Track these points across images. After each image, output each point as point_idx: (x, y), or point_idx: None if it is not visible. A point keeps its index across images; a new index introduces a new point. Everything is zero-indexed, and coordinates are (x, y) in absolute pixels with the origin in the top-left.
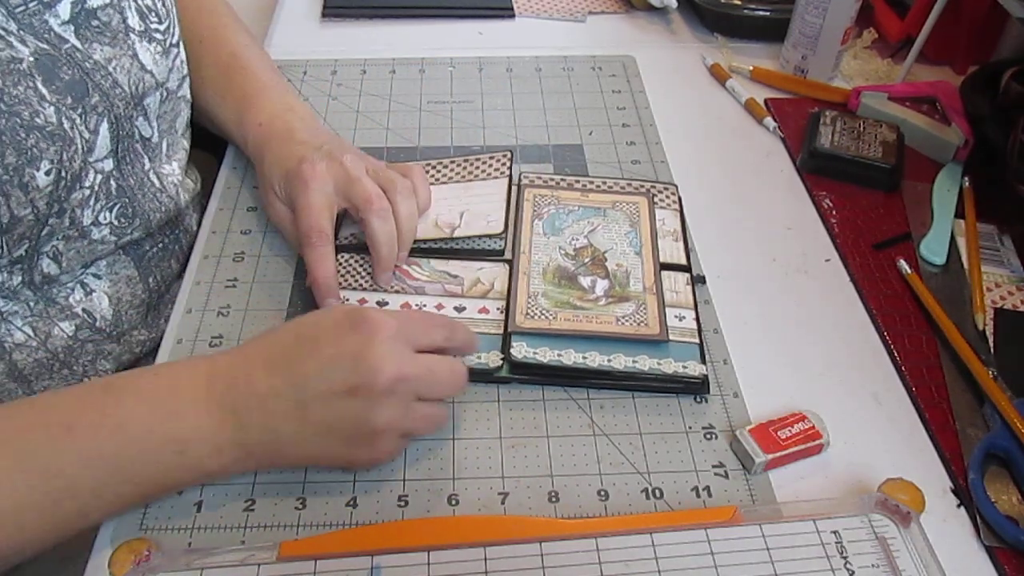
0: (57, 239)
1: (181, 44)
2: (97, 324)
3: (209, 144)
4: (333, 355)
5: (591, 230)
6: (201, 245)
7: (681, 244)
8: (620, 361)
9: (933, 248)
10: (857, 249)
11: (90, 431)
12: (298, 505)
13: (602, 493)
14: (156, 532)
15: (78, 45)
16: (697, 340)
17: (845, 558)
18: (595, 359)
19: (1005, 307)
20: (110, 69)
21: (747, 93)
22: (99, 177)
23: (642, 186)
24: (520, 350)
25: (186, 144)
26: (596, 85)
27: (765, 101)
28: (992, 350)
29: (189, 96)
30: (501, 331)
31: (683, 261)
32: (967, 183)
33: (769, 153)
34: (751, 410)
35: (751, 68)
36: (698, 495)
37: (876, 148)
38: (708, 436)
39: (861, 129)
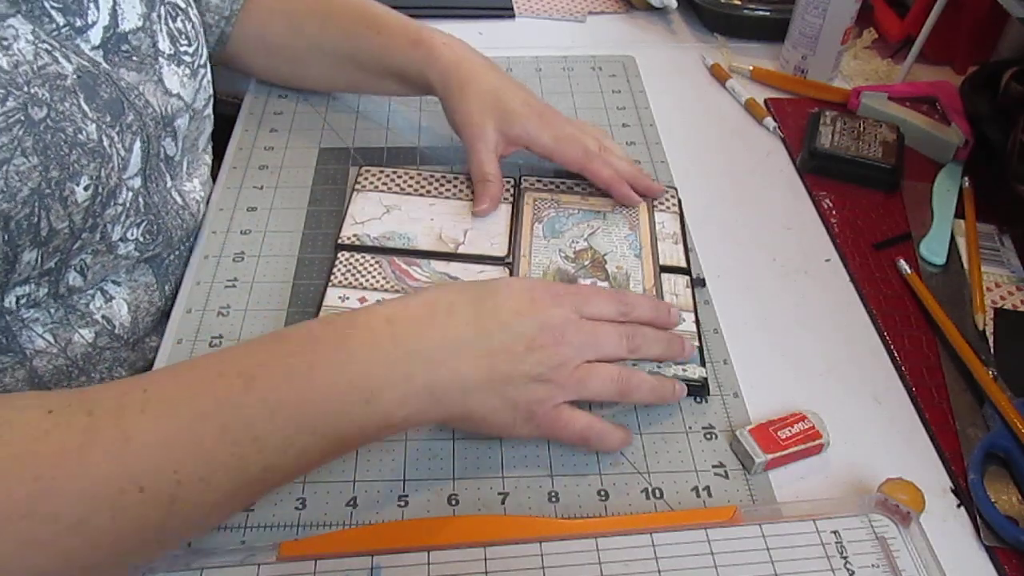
0: (86, 253)
1: (208, 65)
2: (116, 331)
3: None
4: (512, 311)
5: (591, 233)
6: (201, 245)
7: (680, 247)
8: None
9: (933, 248)
10: (857, 249)
11: (272, 381)
12: (298, 505)
13: (602, 493)
14: None
15: (108, 69)
16: (697, 343)
17: (845, 558)
18: None
19: (1005, 307)
20: (140, 91)
21: (747, 93)
22: (130, 194)
23: None
24: None
25: (207, 160)
26: (596, 85)
27: (765, 101)
28: (992, 350)
29: (212, 114)
30: None
31: (683, 264)
32: (967, 183)
33: (769, 153)
34: (751, 410)
35: (751, 68)
36: (698, 495)
37: (876, 148)
38: (708, 436)
39: (861, 129)
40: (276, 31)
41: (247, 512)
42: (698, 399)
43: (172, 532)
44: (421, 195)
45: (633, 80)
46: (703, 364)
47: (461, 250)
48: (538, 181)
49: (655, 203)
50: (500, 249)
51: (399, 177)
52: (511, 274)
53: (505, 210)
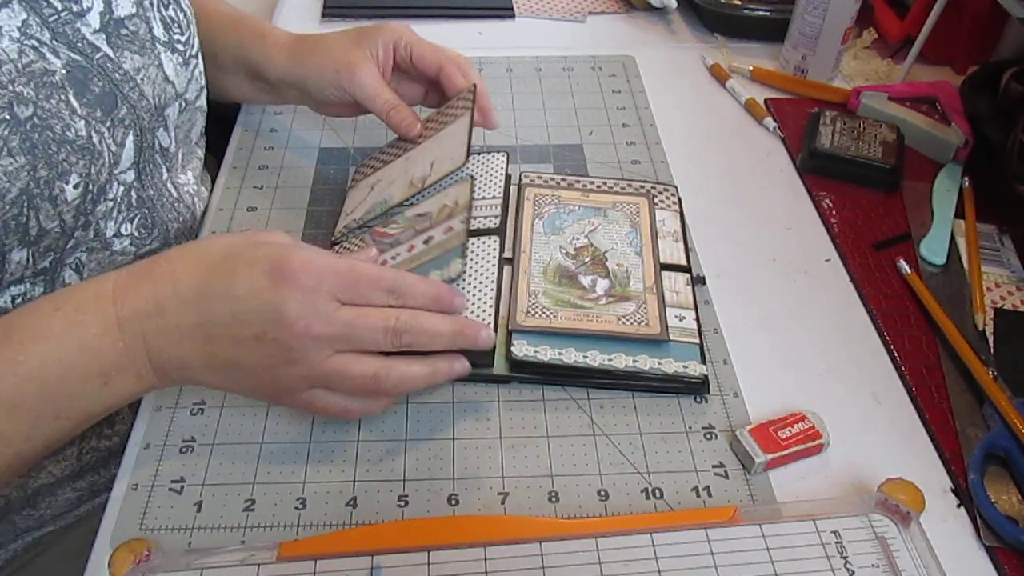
0: (81, 251)
1: (200, 56)
2: None
3: (209, 144)
4: (245, 297)
5: (591, 230)
6: None
7: (681, 245)
8: (621, 360)
9: (933, 248)
10: (857, 249)
11: (6, 383)
12: (298, 505)
13: (602, 493)
14: (156, 532)
15: (110, 54)
16: (697, 340)
17: (845, 558)
18: (596, 358)
19: (1005, 307)
20: (138, 80)
21: (747, 93)
22: (122, 189)
23: (642, 187)
24: (521, 348)
25: (200, 153)
26: (596, 85)
27: (765, 101)
28: (992, 350)
29: (205, 107)
30: (462, 241)
31: (683, 262)
32: (967, 183)
33: (769, 153)
34: (751, 410)
35: (751, 68)
36: (698, 495)
37: (876, 148)
38: (708, 436)
39: (861, 129)
40: None
41: (247, 512)
42: (698, 399)
43: None
44: (398, 156)
45: (633, 80)
46: (703, 362)
47: (428, 182)
48: (538, 177)
49: (656, 201)
50: (458, 160)
51: (383, 153)
52: (512, 264)
53: (462, 123)
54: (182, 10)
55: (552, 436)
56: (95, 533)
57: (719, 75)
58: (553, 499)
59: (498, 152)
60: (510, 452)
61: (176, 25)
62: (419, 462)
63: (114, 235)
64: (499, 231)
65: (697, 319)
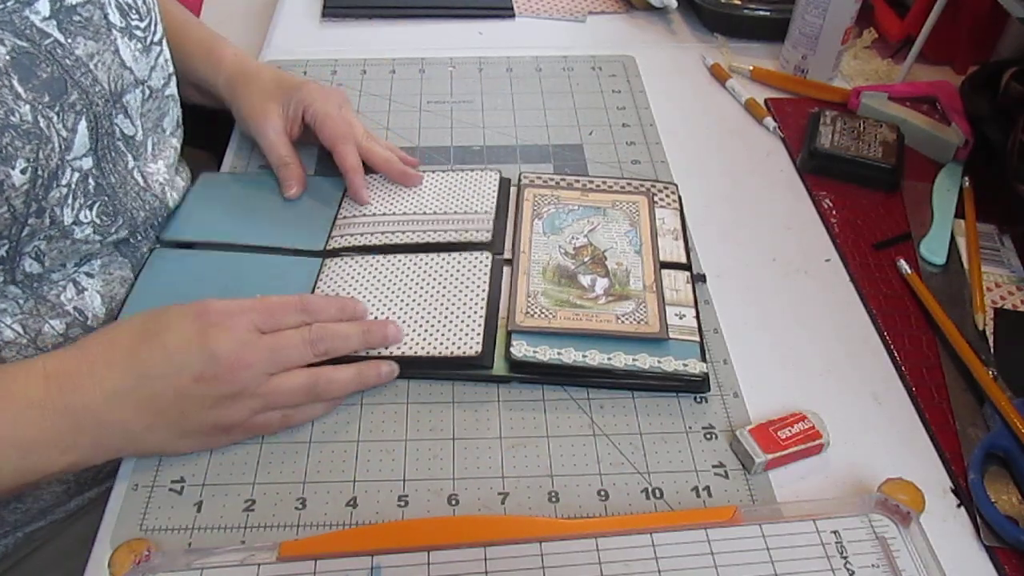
0: (39, 239)
1: (164, 42)
2: (88, 322)
3: (209, 144)
4: (177, 345)
5: (591, 229)
6: None
7: (681, 243)
8: (620, 359)
9: (933, 248)
10: (857, 249)
11: None
12: (298, 505)
13: (602, 493)
14: (156, 532)
15: (61, 40)
16: (697, 338)
17: (845, 558)
18: (595, 357)
19: (1005, 307)
20: (91, 66)
21: (747, 93)
22: (76, 175)
23: (642, 185)
24: (520, 348)
25: (175, 143)
26: (596, 85)
27: (765, 101)
28: (992, 350)
29: (176, 95)
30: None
31: (683, 260)
32: (967, 183)
33: (769, 153)
34: (751, 410)
35: (751, 68)
36: (698, 495)
37: (876, 148)
38: (708, 436)
39: (861, 129)
40: None
41: (247, 512)
42: (698, 399)
43: None
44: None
45: (633, 80)
46: (703, 360)
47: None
48: (538, 178)
49: (656, 199)
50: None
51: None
52: (512, 268)
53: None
54: None
55: (552, 436)
56: (92, 532)
57: (719, 75)
58: (553, 499)
59: (492, 170)
60: (510, 452)
61: (134, 11)
62: (419, 462)
63: (73, 222)
64: (490, 245)
65: (697, 317)
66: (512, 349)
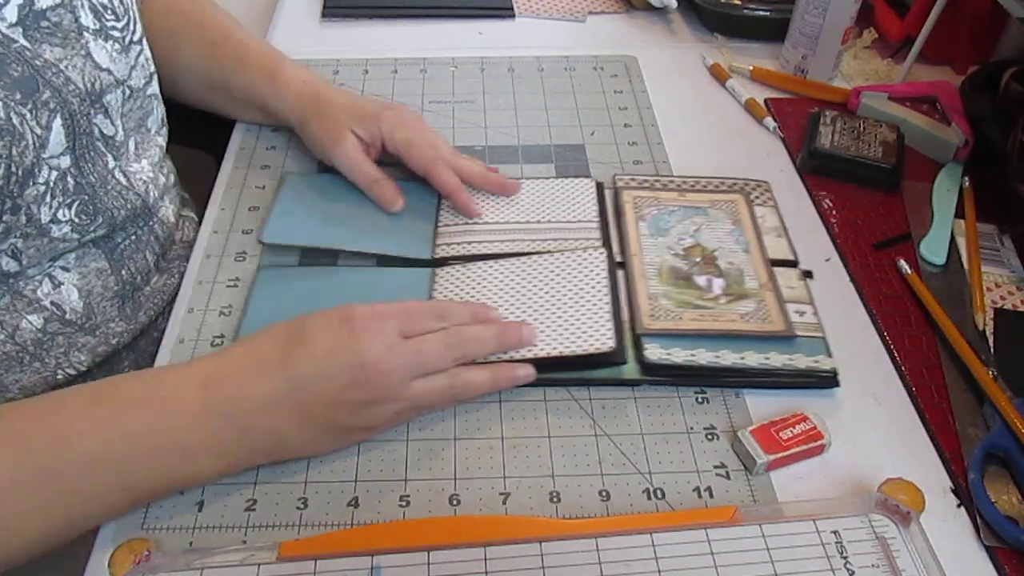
0: (15, 237)
1: (144, 42)
2: (67, 316)
3: (209, 144)
4: (325, 352)
5: (696, 229)
6: (203, 245)
7: (784, 240)
8: (752, 358)
9: (933, 248)
10: (857, 249)
11: (91, 440)
12: (300, 505)
13: (603, 494)
14: (157, 532)
15: (27, 45)
16: (821, 334)
17: (845, 558)
18: (727, 358)
19: (1005, 307)
20: (61, 67)
21: (747, 93)
22: (54, 174)
23: (735, 184)
24: (654, 352)
25: (161, 142)
26: (598, 85)
27: (765, 101)
28: (992, 350)
29: (159, 93)
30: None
31: (790, 257)
32: (967, 183)
33: (769, 153)
34: (752, 410)
35: (751, 68)
36: (699, 496)
37: (876, 148)
38: (710, 437)
39: (861, 129)
40: (158, 49)
41: (249, 512)
42: (700, 399)
43: None
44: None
45: (635, 80)
46: (830, 355)
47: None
48: (632, 180)
49: (751, 197)
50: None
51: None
52: (626, 271)
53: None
54: None
55: (554, 436)
56: (92, 532)
57: (719, 75)
58: (555, 499)
59: (586, 178)
60: (512, 452)
61: (109, 11)
62: (421, 462)
63: (50, 220)
64: (605, 244)
65: (816, 313)
66: (646, 352)
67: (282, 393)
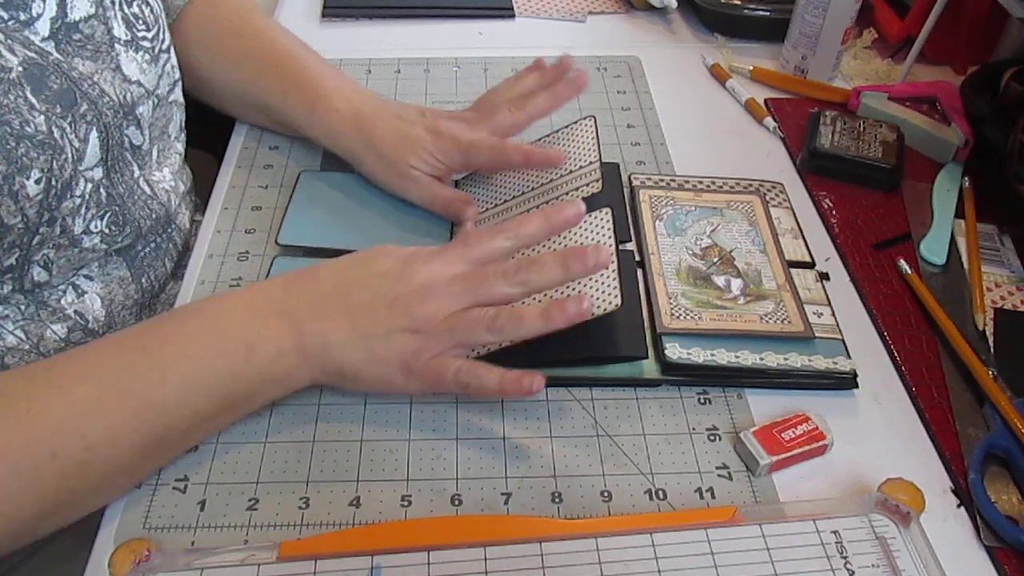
0: (48, 248)
1: (172, 49)
2: (90, 325)
3: (209, 144)
4: (379, 273)
5: (712, 229)
6: (205, 245)
7: (801, 241)
8: (772, 359)
9: (933, 248)
10: (857, 249)
11: (163, 348)
12: (301, 504)
13: (605, 494)
14: (159, 532)
15: (60, 59)
16: (840, 336)
17: (845, 558)
18: (747, 358)
19: (1005, 307)
20: (95, 79)
21: (747, 93)
22: (89, 186)
23: (750, 185)
24: (674, 351)
25: (180, 148)
26: (601, 85)
27: (765, 101)
28: (992, 350)
29: (182, 100)
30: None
31: (807, 258)
32: (967, 183)
33: (769, 153)
34: (754, 411)
35: (751, 68)
36: (701, 496)
37: (876, 148)
38: (712, 437)
39: (861, 129)
40: (199, 61)
41: (250, 511)
42: (702, 400)
43: (85, 494)
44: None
45: (638, 80)
46: (849, 356)
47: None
48: (648, 179)
49: (767, 198)
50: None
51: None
52: (645, 270)
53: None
54: (148, 5)
55: (555, 437)
56: (93, 532)
57: (719, 75)
58: (556, 500)
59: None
60: (513, 452)
61: (141, 21)
62: (422, 462)
63: (83, 232)
64: (610, 207)
65: (833, 314)
66: (667, 352)
67: (332, 297)
